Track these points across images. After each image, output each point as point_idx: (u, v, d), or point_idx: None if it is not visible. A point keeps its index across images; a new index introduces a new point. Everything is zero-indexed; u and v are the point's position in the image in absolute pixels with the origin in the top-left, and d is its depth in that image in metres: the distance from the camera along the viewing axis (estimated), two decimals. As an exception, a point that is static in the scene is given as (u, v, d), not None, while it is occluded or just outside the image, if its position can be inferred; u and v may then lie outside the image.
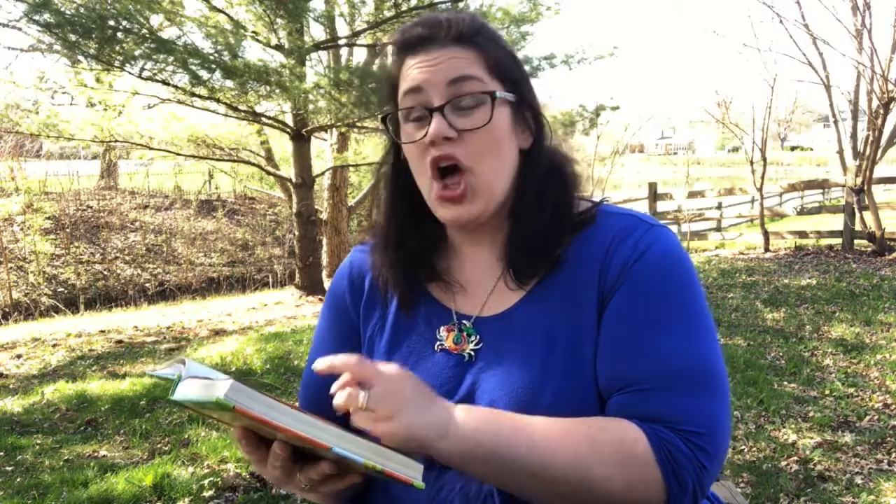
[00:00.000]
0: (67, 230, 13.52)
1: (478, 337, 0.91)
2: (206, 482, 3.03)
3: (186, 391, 0.71)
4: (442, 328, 0.94)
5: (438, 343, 0.94)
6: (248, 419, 0.70)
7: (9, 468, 3.36)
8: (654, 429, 0.78)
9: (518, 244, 0.90)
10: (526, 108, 0.92)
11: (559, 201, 0.91)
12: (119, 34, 6.53)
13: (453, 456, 0.77)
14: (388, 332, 0.98)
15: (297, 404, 0.83)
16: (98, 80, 7.21)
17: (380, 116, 0.96)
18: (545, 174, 0.92)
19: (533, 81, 0.95)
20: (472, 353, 0.91)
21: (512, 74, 0.90)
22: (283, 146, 11.12)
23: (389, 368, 0.79)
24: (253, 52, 9.92)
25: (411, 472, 0.75)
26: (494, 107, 0.86)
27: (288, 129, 8.26)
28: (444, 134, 0.84)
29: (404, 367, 0.94)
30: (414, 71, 0.87)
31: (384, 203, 0.99)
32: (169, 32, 7.43)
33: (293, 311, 7.81)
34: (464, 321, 0.93)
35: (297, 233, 8.62)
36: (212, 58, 6.94)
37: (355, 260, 1.06)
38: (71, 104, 9.95)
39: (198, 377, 0.73)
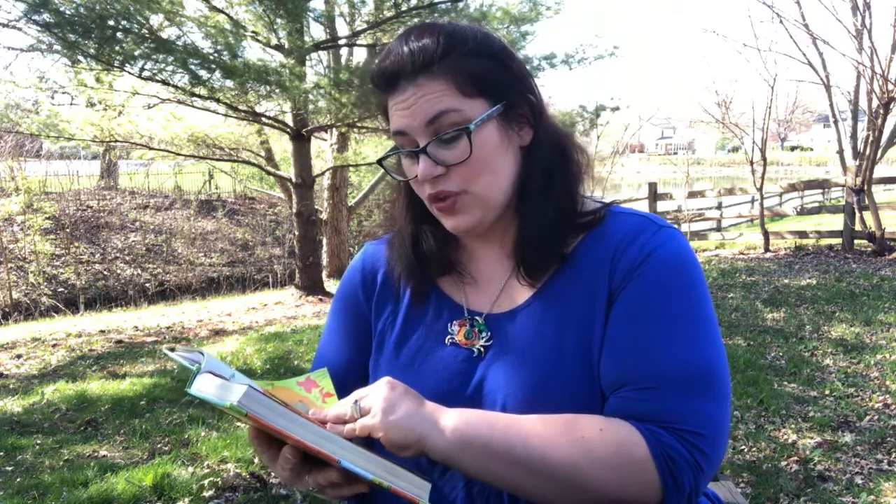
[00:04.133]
0: (67, 230, 13.52)
1: (488, 333, 0.92)
2: (206, 482, 3.03)
3: (203, 387, 0.72)
4: (454, 322, 0.95)
5: (449, 336, 0.95)
6: (260, 426, 0.71)
7: (9, 468, 3.36)
8: (651, 430, 0.78)
9: (527, 240, 0.91)
10: (520, 107, 0.91)
11: (564, 193, 0.91)
12: (119, 34, 6.53)
13: (448, 449, 0.79)
14: (399, 326, 0.99)
15: (312, 411, 0.83)
16: (98, 80, 7.21)
17: (376, 160, 0.97)
18: (548, 166, 0.91)
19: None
20: (482, 348, 0.92)
21: (495, 81, 0.88)
22: (283, 146, 11.13)
23: (378, 381, 0.83)
24: (253, 52, 9.96)
25: (418, 490, 0.76)
26: (472, 139, 0.85)
27: (288, 129, 8.26)
28: (431, 174, 0.86)
29: (412, 363, 0.96)
30: (394, 114, 0.88)
31: (399, 198, 1.00)
32: (169, 32, 7.42)
33: (293, 311, 7.81)
34: (476, 317, 0.94)
35: (297, 233, 8.61)
36: (212, 58, 6.94)
37: (368, 254, 1.07)
38: (71, 104, 9.97)
39: (214, 374, 0.73)
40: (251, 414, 0.68)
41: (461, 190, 0.87)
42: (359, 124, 8.26)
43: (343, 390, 0.87)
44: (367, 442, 0.79)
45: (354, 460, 0.73)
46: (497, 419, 0.82)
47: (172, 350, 0.81)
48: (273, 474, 3.14)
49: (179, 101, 7.88)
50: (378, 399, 0.79)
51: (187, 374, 0.75)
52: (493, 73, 0.88)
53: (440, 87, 0.85)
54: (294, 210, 8.62)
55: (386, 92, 0.89)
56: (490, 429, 0.80)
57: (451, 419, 0.81)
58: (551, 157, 0.92)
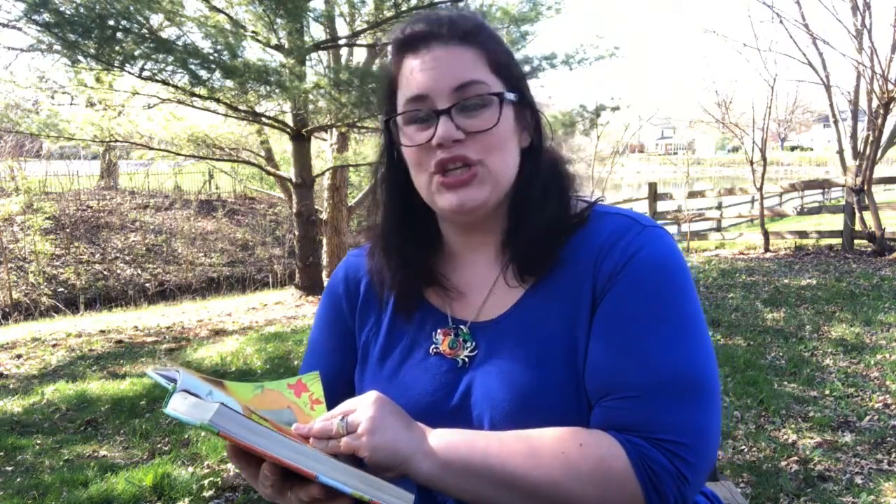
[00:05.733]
0: (67, 230, 13.52)
1: (473, 343, 0.90)
2: (206, 482, 3.03)
3: (178, 406, 0.71)
4: (439, 331, 0.93)
5: (433, 346, 0.93)
6: (233, 443, 0.70)
7: (9, 468, 3.36)
8: (633, 442, 0.77)
9: (521, 239, 0.89)
10: (525, 108, 0.91)
11: (560, 201, 0.91)
12: (119, 34, 6.53)
13: (430, 472, 0.78)
14: (383, 336, 0.97)
15: (295, 426, 0.82)
16: (98, 80, 7.21)
17: (382, 119, 0.93)
18: (547, 173, 0.92)
19: (533, 81, 0.95)
20: (467, 358, 0.90)
21: (512, 74, 0.89)
22: (283, 146, 11.12)
23: (366, 394, 0.81)
24: (253, 52, 9.94)
25: (401, 502, 0.74)
26: (502, 108, 0.86)
27: (288, 129, 8.26)
28: (452, 137, 0.84)
29: (395, 374, 0.94)
30: (417, 74, 0.85)
31: (382, 205, 0.97)
32: (169, 32, 7.42)
33: (293, 311, 7.81)
34: (461, 326, 0.92)
35: (297, 233, 8.62)
36: (212, 58, 6.94)
37: (350, 265, 1.05)
38: (71, 104, 9.96)
39: (189, 392, 0.72)
40: (223, 432, 0.67)
41: (479, 160, 0.85)
42: (359, 124, 8.25)
43: (331, 402, 0.86)
44: (352, 457, 0.78)
45: (333, 475, 0.72)
46: (477, 438, 0.80)
47: (153, 370, 0.80)
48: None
49: (179, 101, 7.88)
50: (365, 417, 0.77)
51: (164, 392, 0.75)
52: (511, 65, 0.90)
53: (473, 55, 0.86)
54: (294, 210, 8.62)
55: (408, 53, 0.87)
56: (470, 449, 0.78)
57: (434, 442, 0.79)
58: (550, 167, 0.93)
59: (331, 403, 0.85)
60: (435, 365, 0.91)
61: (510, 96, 0.87)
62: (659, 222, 0.93)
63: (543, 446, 0.78)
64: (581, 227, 0.88)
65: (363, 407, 0.79)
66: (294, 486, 0.75)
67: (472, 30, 0.87)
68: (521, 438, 0.79)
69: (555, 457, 0.77)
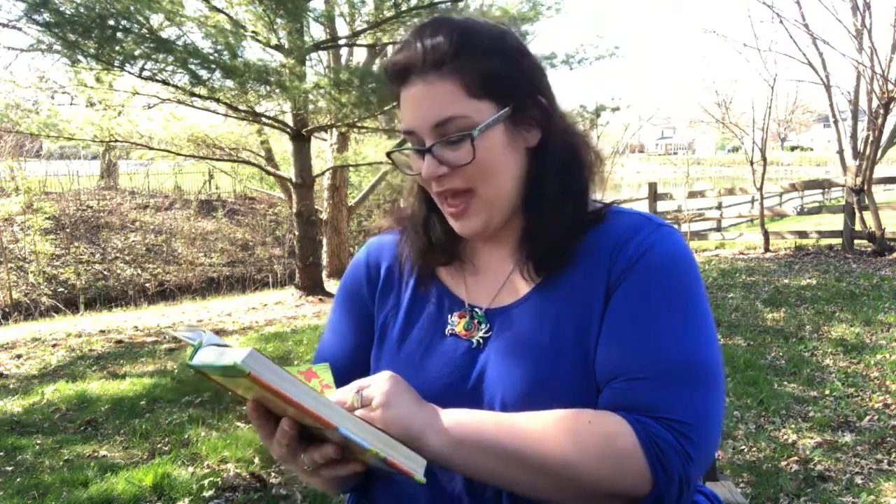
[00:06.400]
0: (67, 230, 13.52)
1: (487, 325, 0.94)
2: (206, 482, 3.03)
3: (205, 357, 0.72)
4: (455, 313, 0.97)
5: (449, 328, 0.96)
6: (261, 388, 0.70)
7: (9, 468, 3.36)
8: (640, 420, 0.80)
9: (538, 238, 0.92)
10: (529, 108, 0.90)
11: (578, 193, 0.93)
12: (119, 34, 6.53)
13: (442, 449, 0.80)
14: (402, 319, 1.01)
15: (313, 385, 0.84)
16: (98, 79, 7.21)
17: (385, 153, 1.00)
18: (561, 168, 0.92)
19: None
20: (481, 340, 0.93)
21: (505, 83, 0.88)
22: (283, 146, 11.12)
23: (381, 373, 0.84)
24: (253, 52, 9.97)
25: (414, 465, 0.76)
26: (476, 144, 0.86)
27: (288, 129, 8.26)
28: (435, 174, 0.88)
29: (413, 356, 0.97)
30: (405, 109, 0.89)
31: (411, 184, 1.02)
32: (169, 32, 7.42)
33: (293, 311, 7.81)
34: (476, 309, 0.96)
35: (297, 233, 8.61)
36: (212, 58, 6.94)
37: (372, 249, 1.09)
38: (71, 104, 9.97)
39: (217, 345, 0.74)
40: (253, 373, 0.67)
41: (469, 188, 0.89)
42: (359, 124, 8.26)
43: (344, 384, 0.87)
44: None
45: (353, 429, 0.73)
46: (487, 417, 0.83)
47: (176, 331, 0.81)
48: (273, 473, 3.14)
49: (179, 101, 7.88)
50: (379, 392, 0.80)
51: (189, 366, 0.76)
52: (503, 73, 0.88)
53: (449, 87, 0.85)
54: (294, 210, 8.62)
55: (398, 84, 0.90)
56: (481, 427, 0.81)
57: (446, 420, 0.82)
58: (564, 158, 0.93)
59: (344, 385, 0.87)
60: (451, 347, 0.95)
61: (493, 119, 0.86)
62: (660, 222, 0.96)
63: (553, 424, 0.81)
64: (597, 224, 0.92)
65: (378, 383, 0.82)
66: (308, 447, 0.78)
67: (448, 56, 0.85)
68: (531, 417, 0.82)
69: (564, 435, 0.79)
